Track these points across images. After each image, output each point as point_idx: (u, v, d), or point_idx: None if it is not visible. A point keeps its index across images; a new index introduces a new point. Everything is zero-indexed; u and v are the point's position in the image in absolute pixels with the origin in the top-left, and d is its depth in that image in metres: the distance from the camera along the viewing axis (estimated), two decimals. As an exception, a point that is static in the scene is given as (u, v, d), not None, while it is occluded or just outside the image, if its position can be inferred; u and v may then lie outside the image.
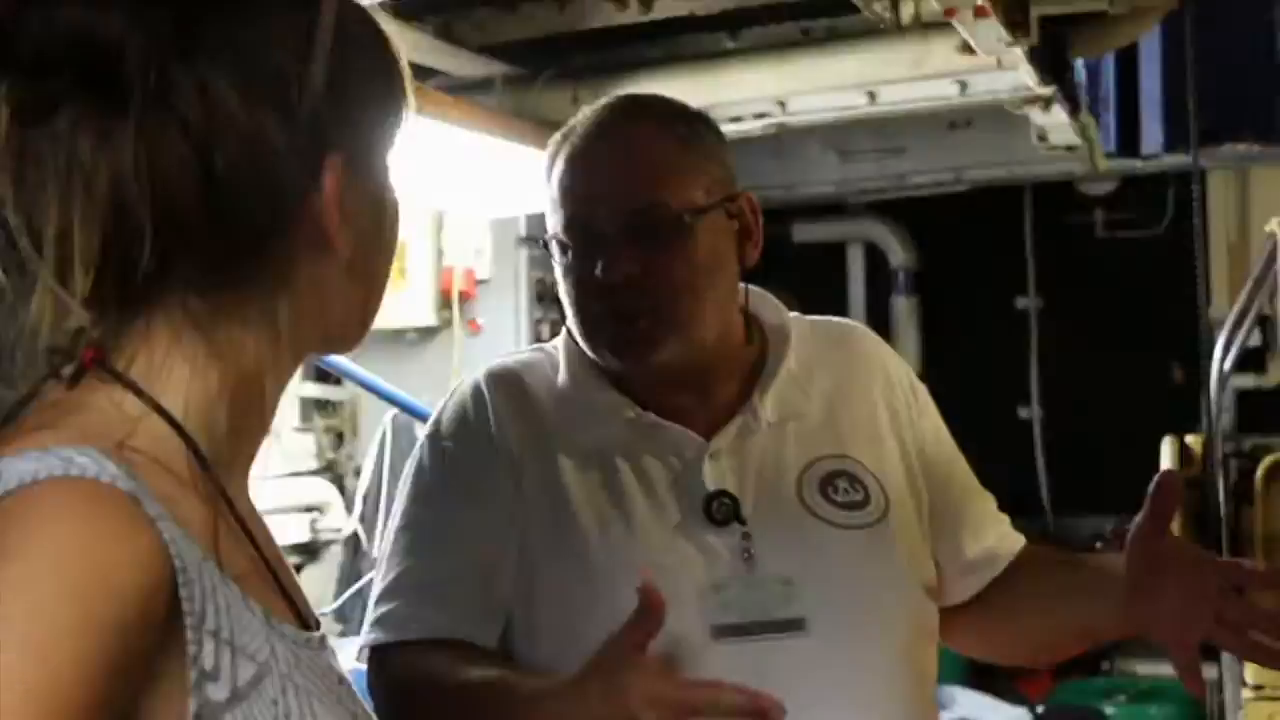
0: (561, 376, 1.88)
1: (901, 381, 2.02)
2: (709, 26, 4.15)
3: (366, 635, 1.82)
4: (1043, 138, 4.87)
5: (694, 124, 1.89)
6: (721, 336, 1.85)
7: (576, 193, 1.81)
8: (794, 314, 1.99)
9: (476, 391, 1.88)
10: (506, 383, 1.88)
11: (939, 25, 3.69)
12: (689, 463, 1.84)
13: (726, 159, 1.90)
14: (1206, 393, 3.76)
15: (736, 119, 4.16)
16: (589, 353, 1.85)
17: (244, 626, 1.02)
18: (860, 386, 1.98)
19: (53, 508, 0.93)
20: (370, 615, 1.83)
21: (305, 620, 1.14)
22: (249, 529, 1.10)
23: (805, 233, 7.02)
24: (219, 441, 1.07)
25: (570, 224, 1.81)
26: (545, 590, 1.79)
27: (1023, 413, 7.30)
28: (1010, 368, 7.30)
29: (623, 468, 1.83)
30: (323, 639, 1.14)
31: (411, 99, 1.19)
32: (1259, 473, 3.52)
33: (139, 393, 1.03)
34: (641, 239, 1.78)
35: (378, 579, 1.85)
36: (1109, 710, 6.16)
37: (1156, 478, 1.88)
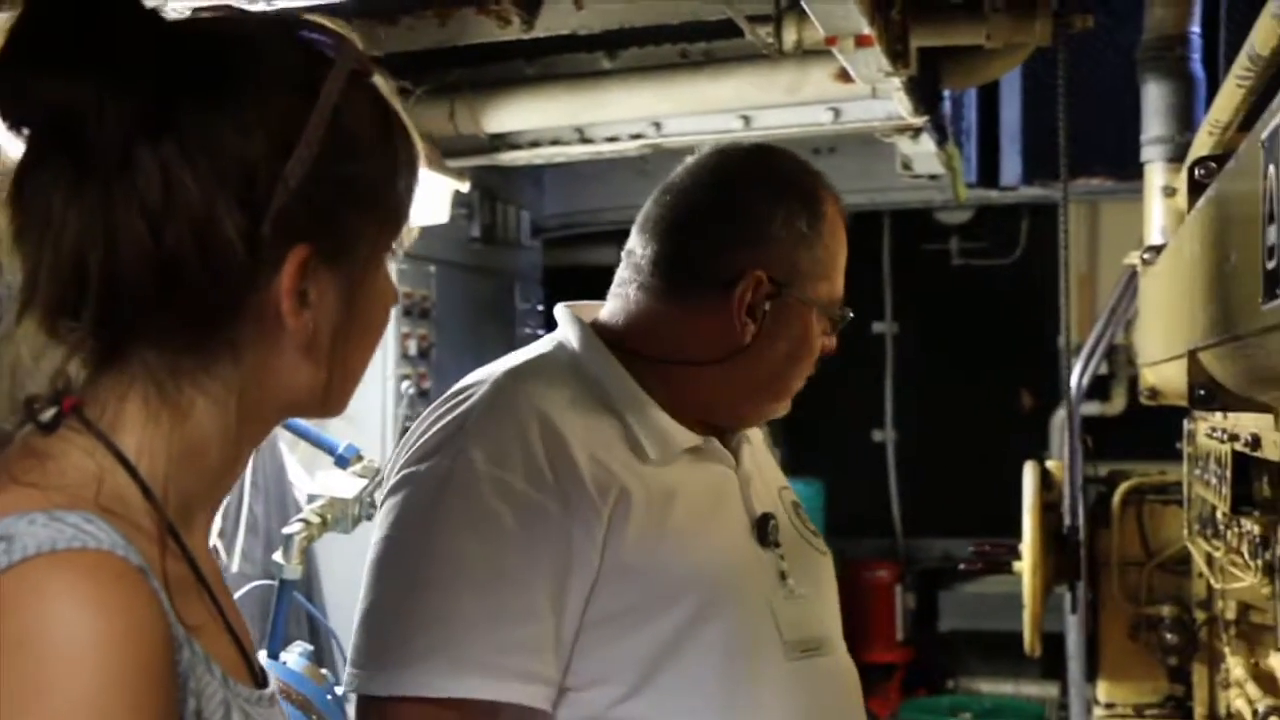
0: (616, 398, 1.81)
1: None
2: (587, 46, 4.17)
3: (399, 677, 1.63)
4: (907, 166, 4.98)
5: None
6: None
7: (843, 274, 1.94)
8: None
9: (519, 410, 1.74)
10: (560, 400, 1.77)
11: (816, 53, 3.74)
12: (736, 485, 1.88)
13: None
14: (1070, 419, 3.85)
15: (613, 139, 4.18)
16: (762, 406, 1.92)
17: (204, 689, 1.04)
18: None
19: (83, 587, 0.96)
20: (399, 654, 1.64)
21: (255, 674, 1.16)
22: (208, 583, 1.12)
23: (667, 253, 7.06)
24: (180, 496, 1.10)
25: (841, 301, 1.93)
26: (644, 610, 1.71)
27: (877, 435, 7.43)
28: (865, 391, 7.43)
29: (699, 491, 1.82)
30: (272, 696, 1.17)
31: (413, 191, 1.21)
32: (1116, 497, 3.62)
33: (112, 448, 1.07)
34: None
35: (399, 617, 1.66)
36: (956, 727, 6.30)
37: None
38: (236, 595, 3.34)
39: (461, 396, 1.79)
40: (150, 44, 1.07)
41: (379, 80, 1.18)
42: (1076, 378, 4.13)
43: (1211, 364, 1.90)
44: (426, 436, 1.76)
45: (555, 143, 4.38)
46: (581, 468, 1.70)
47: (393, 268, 1.24)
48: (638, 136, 4.21)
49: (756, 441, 2.00)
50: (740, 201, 1.87)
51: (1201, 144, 2.73)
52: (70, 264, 1.05)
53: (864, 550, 6.89)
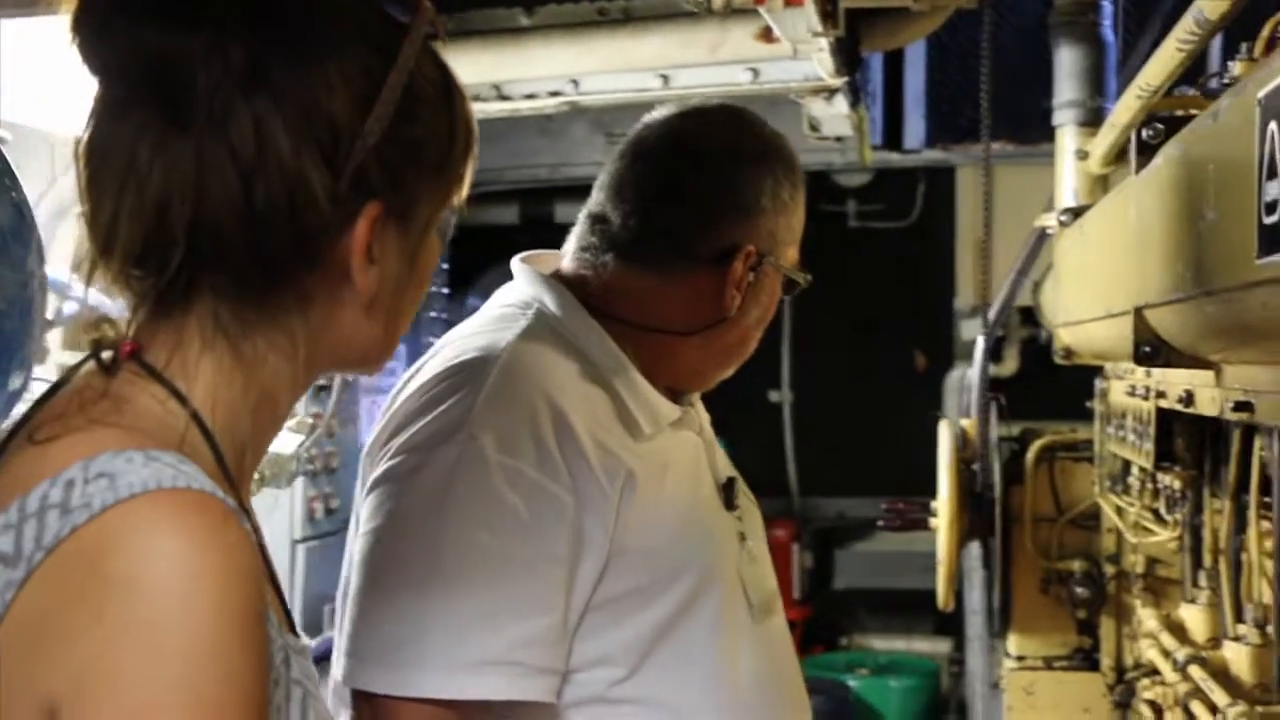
0: (605, 371, 1.80)
1: None
2: (505, 2, 4.14)
3: (402, 676, 1.58)
4: (815, 128, 4.99)
5: None
6: None
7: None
8: None
9: (522, 389, 1.71)
10: (558, 380, 1.74)
11: (739, 12, 3.75)
12: (702, 450, 1.90)
13: None
14: (981, 377, 3.92)
15: (531, 96, 4.16)
16: (720, 366, 1.93)
17: (270, 636, 1.06)
18: None
19: (192, 525, 0.97)
20: (402, 650, 1.59)
21: (292, 624, 1.18)
22: (257, 533, 1.13)
23: (568, 212, 7.00)
24: (236, 448, 1.12)
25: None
26: (648, 591, 1.72)
27: (773, 396, 7.49)
28: (762, 351, 7.44)
29: (684, 463, 1.84)
30: (307, 647, 1.18)
31: (472, 163, 1.24)
32: (1030, 455, 3.70)
33: (179, 397, 1.08)
34: None
35: (406, 605, 1.61)
36: (852, 683, 6.39)
37: None
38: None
39: (458, 379, 1.72)
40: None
41: (440, 45, 1.20)
42: (984, 338, 4.19)
43: (1161, 321, 1.94)
44: (428, 420, 1.69)
45: (474, 99, 4.35)
46: (589, 452, 1.68)
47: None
48: (556, 94, 4.18)
49: (695, 396, 2.01)
50: (729, 173, 1.86)
51: (1127, 108, 2.78)
52: (154, 213, 1.06)
53: (761, 510, 6.92)
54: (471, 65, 4.19)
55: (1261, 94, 1.25)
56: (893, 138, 6.10)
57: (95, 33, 1.07)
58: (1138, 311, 2.01)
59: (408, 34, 1.14)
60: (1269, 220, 1.20)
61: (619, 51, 3.97)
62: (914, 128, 6.08)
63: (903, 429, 7.01)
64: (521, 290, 1.87)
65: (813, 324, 7.46)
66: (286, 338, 1.13)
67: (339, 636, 1.67)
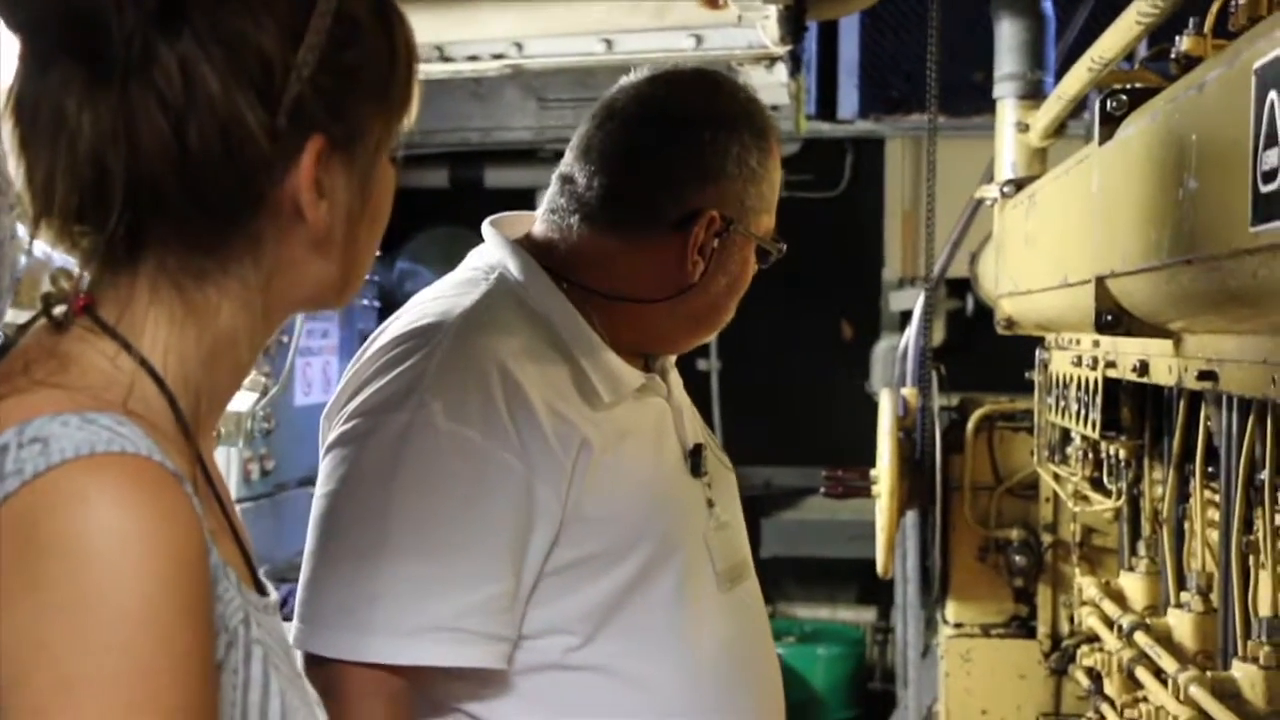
0: (566, 338, 1.79)
1: None
2: (447, -38, 4.10)
3: (353, 641, 1.60)
4: (750, 97, 5.00)
5: None
6: None
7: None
8: None
9: (473, 357, 1.71)
10: (513, 346, 1.74)
11: (685, -23, 3.75)
12: (670, 419, 1.89)
13: None
14: (918, 347, 3.95)
15: (473, 58, 4.13)
16: (695, 330, 1.93)
17: (223, 593, 1.04)
18: None
19: (126, 491, 0.95)
20: (354, 617, 1.60)
21: (259, 582, 1.16)
22: (217, 487, 1.12)
23: (498, 178, 7.01)
24: (192, 399, 1.09)
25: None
26: (604, 559, 1.72)
27: (701, 364, 7.50)
28: (690, 320, 7.48)
29: (647, 432, 1.83)
30: (274, 604, 1.16)
31: (417, 85, 1.21)
32: (970, 424, 3.73)
33: (130, 349, 1.05)
34: None
35: (361, 579, 1.61)
36: (780, 651, 6.43)
37: None
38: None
39: (413, 343, 1.72)
40: None
41: None
42: (921, 308, 4.22)
43: (1123, 290, 1.96)
44: (378, 386, 1.70)
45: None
46: (542, 420, 1.68)
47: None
48: (499, 57, 4.15)
49: (670, 361, 2.00)
50: (696, 137, 1.84)
51: (1077, 79, 2.80)
52: (89, 167, 1.03)
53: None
54: (415, 26, 4.15)
55: (1258, 64, 1.26)
56: (826, 108, 6.12)
57: None
58: (1099, 280, 2.03)
59: None
60: (1266, 188, 1.22)
61: (564, 15, 3.95)
62: (847, 98, 6.11)
63: (830, 399, 7.08)
64: (487, 254, 1.87)
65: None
66: (239, 284, 1.10)
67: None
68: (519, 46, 4.11)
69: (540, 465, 1.66)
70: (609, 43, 4.10)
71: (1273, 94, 1.21)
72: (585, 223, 1.85)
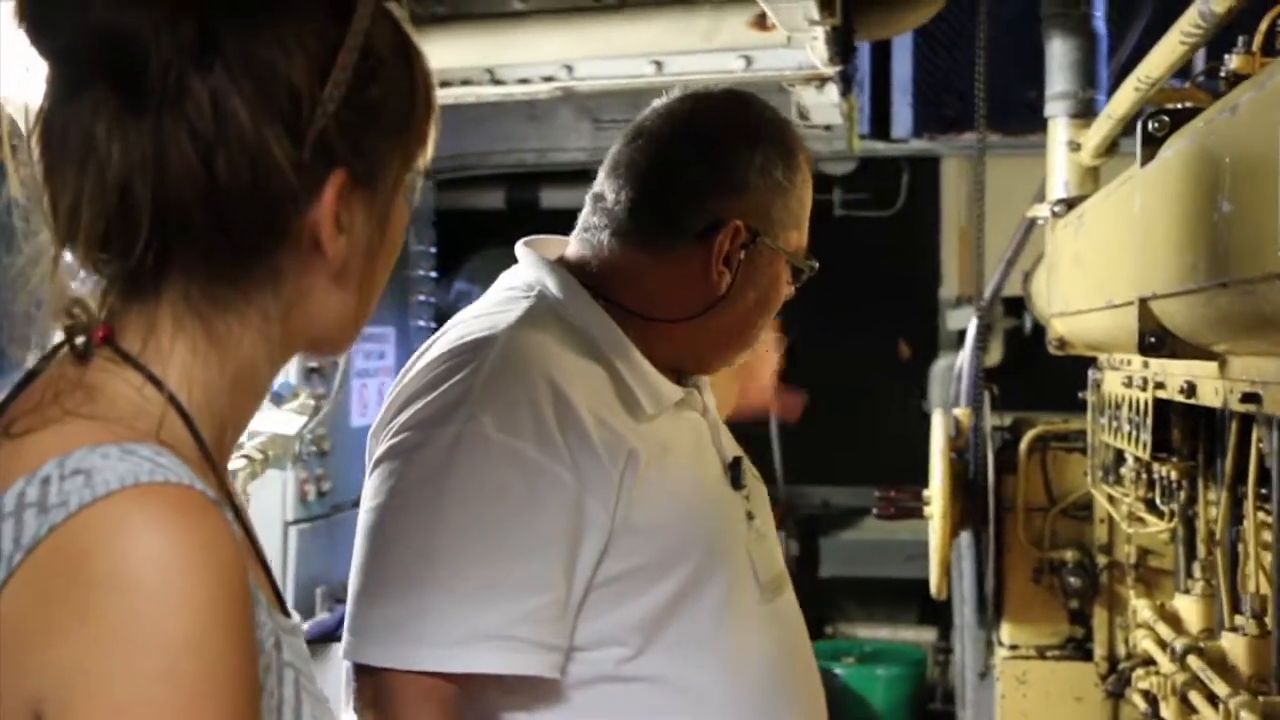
0: (606, 353, 1.80)
1: None
2: (499, -14, 4.13)
3: (404, 651, 1.61)
4: (804, 116, 4.99)
5: None
6: None
7: (808, 226, 1.96)
8: None
9: (529, 371, 1.72)
10: (561, 361, 1.75)
11: (733, 0, 3.75)
12: (708, 432, 1.91)
13: None
14: (973, 367, 3.92)
15: (524, 80, 4.15)
16: (731, 351, 1.94)
17: (259, 620, 1.04)
18: None
19: (171, 522, 0.96)
20: (405, 626, 1.62)
21: (283, 604, 1.17)
22: (240, 514, 1.12)
23: (554, 198, 7.03)
24: (216, 428, 1.10)
25: (805, 251, 1.95)
26: (654, 571, 1.73)
27: (758, 384, 7.48)
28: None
29: (688, 444, 1.85)
30: (298, 626, 1.17)
31: (435, 123, 1.21)
32: (1022, 445, 3.71)
33: (155, 382, 1.06)
34: None
35: (409, 582, 1.63)
36: (838, 671, 6.40)
37: None
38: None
39: (460, 358, 1.74)
40: None
41: (396, 6, 1.18)
42: (974, 327, 4.20)
43: (1166, 312, 1.95)
44: (427, 400, 1.71)
45: (465, 83, 4.33)
46: (590, 431, 1.69)
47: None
48: (549, 79, 4.17)
49: (703, 378, 2.01)
50: (718, 149, 1.86)
51: (1125, 98, 2.79)
52: (116, 194, 1.03)
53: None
54: (466, 49, 4.18)
55: (1287, 86, 1.25)
56: (880, 127, 6.10)
57: (42, 15, 1.04)
58: (1142, 302, 2.02)
59: None
60: (1294, 213, 1.21)
61: (613, 37, 3.96)
62: (901, 117, 6.09)
63: (888, 418, 7.04)
64: (524, 273, 1.89)
65: (798, 312, 7.46)
66: (260, 314, 1.11)
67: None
68: (569, 69, 4.13)
69: (590, 477, 1.68)
70: (659, 64, 4.11)
71: (1300, 117, 1.20)
72: (615, 238, 1.87)
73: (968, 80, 5.34)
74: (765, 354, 2.65)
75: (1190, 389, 2.21)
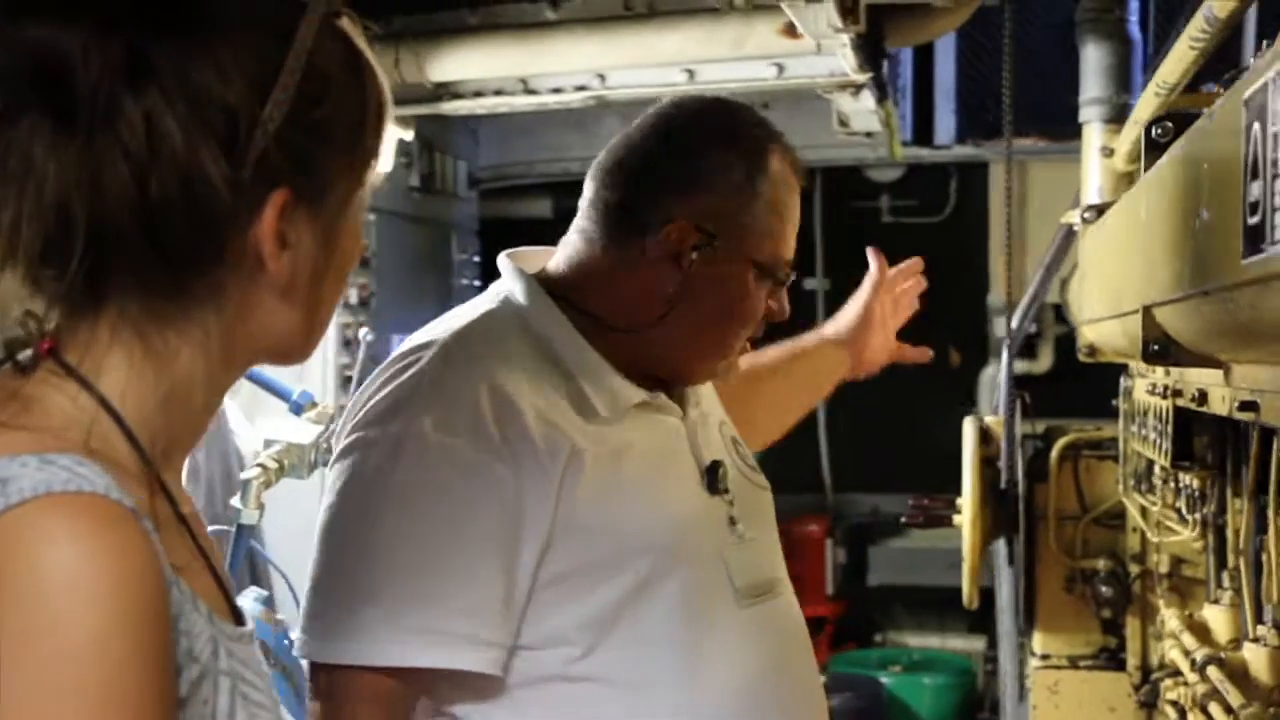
0: (564, 356, 1.82)
1: None
2: (531, -4, 4.17)
3: (343, 646, 1.65)
4: (844, 123, 4.98)
5: None
6: None
7: (790, 233, 1.93)
8: None
9: (463, 371, 1.75)
10: (509, 363, 1.77)
11: (762, 7, 3.76)
12: (687, 437, 1.89)
13: None
14: (1005, 375, 3.90)
15: (557, 90, 4.18)
16: (697, 362, 1.91)
17: (191, 626, 1.06)
18: None
19: (81, 530, 0.97)
20: (346, 626, 1.66)
21: (235, 612, 1.18)
22: (189, 523, 1.14)
23: (601, 206, 7.05)
24: (155, 438, 1.11)
25: (784, 261, 1.91)
26: (599, 570, 1.73)
27: (807, 390, 7.46)
28: (797, 347, 7.45)
29: (651, 446, 1.84)
30: (250, 634, 1.18)
31: (389, 139, 1.22)
32: (1054, 453, 3.68)
33: (91, 389, 1.08)
34: None
35: (358, 585, 1.68)
36: (884, 680, 6.38)
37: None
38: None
39: (410, 359, 1.78)
40: None
41: (348, 22, 1.18)
42: (1010, 334, 4.17)
43: (1168, 320, 1.93)
44: (375, 400, 1.75)
45: (499, 93, 4.37)
46: (531, 429, 1.71)
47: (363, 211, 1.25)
48: (582, 88, 4.20)
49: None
50: (683, 149, 1.85)
51: (1146, 104, 2.76)
52: (54, 214, 1.05)
53: (794, 505, 6.95)
54: (499, 59, 4.22)
55: (1246, 94, 1.24)
56: (924, 133, 6.07)
57: None
58: (1146, 310, 2.00)
59: (303, 15, 1.12)
60: (1251, 221, 1.19)
61: (642, 46, 3.98)
62: (944, 123, 6.05)
63: (936, 425, 6.99)
64: (499, 284, 1.91)
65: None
66: (200, 330, 1.12)
67: None
68: (601, 78, 4.16)
69: (530, 475, 1.69)
70: (691, 73, 4.13)
71: (1256, 125, 1.19)
72: (581, 236, 1.89)
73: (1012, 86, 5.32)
74: (891, 308, 2.76)
75: (1201, 397, 2.19)
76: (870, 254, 2.64)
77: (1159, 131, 2.00)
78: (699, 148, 1.85)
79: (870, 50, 3.69)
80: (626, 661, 1.72)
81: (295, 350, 1.21)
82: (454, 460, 1.68)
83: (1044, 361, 6.86)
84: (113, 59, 1.04)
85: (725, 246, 1.84)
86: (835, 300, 7.56)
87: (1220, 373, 2.01)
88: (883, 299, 2.70)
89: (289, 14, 1.12)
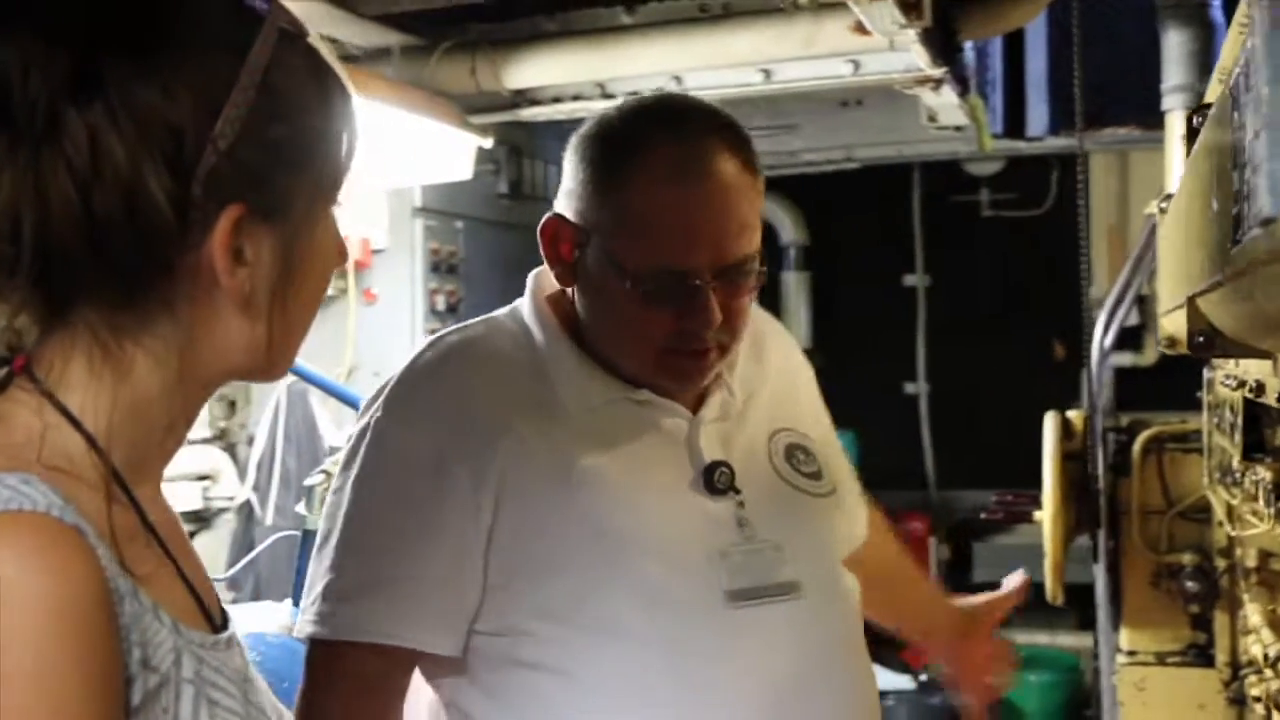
0: (545, 353, 1.85)
1: (804, 365, 2.15)
2: (606, 1, 4.19)
3: (310, 625, 1.76)
4: (932, 118, 4.96)
5: (757, 160, 1.84)
6: None
7: (673, 240, 1.75)
8: None
9: (439, 367, 1.83)
10: (475, 358, 1.85)
11: (833, 5, 3.75)
12: (686, 434, 1.87)
13: None
14: (1088, 369, 3.85)
15: (634, 93, 4.18)
16: (634, 371, 1.83)
17: (151, 637, 1.07)
18: (792, 367, 2.10)
19: (17, 548, 0.99)
20: (315, 603, 1.76)
21: (213, 619, 1.20)
22: (157, 532, 1.15)
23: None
24: (127, 450, 1.13)
25: (664, 273, 1.75)
26: (554, 562, 1.75)
27: (909, 388, 7.43)
28: (898, 344, 7.42)
29: (626, 439, 1.83)
30: (229, 639, 1.20)
31: (354, 150, 1.22)
32: (1136, 447, 3.62)
33: (55, 402, 1.10)
34: (729, 286, 1.77)
35: (324, 564, 1.77)
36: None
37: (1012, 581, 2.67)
38: (262, 547, 3.33)
39: (410, 358, 1.87)
40: (80, 4, 1.08)
41: (315, 41, 1.19)
42: (1100, 328, 4.11)
43: (1210, 310, 1.90)
44: (372, 395, 1.85)
45: (577, 98, 4.40)
46: (485, 426, 1.76)
47: (341, 225, 1.26)
48: (659, 91, 4.22)
49: (755, 382, 1.99)
50: (577, 152, 1.82)
51: (1212, 92, 2.72)
52: (7, 224, 1.07)
53: (897, 502, 6.91)
54: (576, 65, 4.25)
55: (1231, 81, 1.22)
56: (1016, 125, 6.01)
57: None
58: (1190, 300, 1.97)
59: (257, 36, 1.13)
60: (1234, 210, 1.18)
61: (715, 47, 3.99)
62: (1037, 114, 5.98)
63: (1040, 420, 6.92)
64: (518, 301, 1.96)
65: (947, 315, 7.39)
66: (160, 342, 1.13)
67: None
68: (678, 80, 4.16)
69: (479, 468, 1.74)
70: (767, 73, 4.13)
71: (1235, 114, 1.17)
72: None
73: (1105, 75, 5.24)
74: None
75: (1259, 388, 2.16)
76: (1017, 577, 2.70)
77: (1198, 120, 1.97)
78: (575, 145, 1.82)
79: (942, 44, 3.67)
80: (581, 652, 1.74)
81: (261, 366, 1.21)
82: (407, 452, 1.77)
83: (1149, 354, 6.76)
84: (55, 74, 1.05)
85: (595, 248, 1.79)
86: (934, 296, 7.57)
87: (1270, 363, 1.98)
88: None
89: (245, 33, 1.13)
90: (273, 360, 1.21)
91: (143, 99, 1.07)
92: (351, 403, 3.31)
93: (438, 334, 1.91)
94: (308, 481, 3.07)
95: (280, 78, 1.14)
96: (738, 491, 1.86)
